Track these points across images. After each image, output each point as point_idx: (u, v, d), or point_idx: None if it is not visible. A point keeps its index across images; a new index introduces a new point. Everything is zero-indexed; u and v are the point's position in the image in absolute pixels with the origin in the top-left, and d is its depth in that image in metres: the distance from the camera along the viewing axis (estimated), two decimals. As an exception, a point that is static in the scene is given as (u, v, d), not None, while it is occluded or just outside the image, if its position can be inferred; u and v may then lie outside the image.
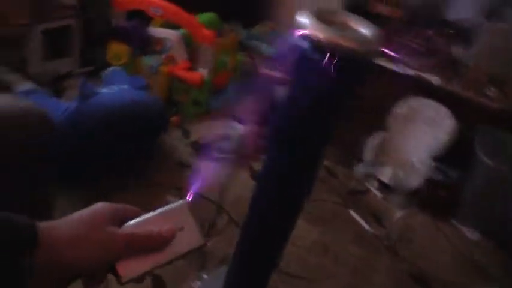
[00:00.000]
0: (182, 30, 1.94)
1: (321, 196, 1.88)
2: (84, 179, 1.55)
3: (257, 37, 2.54)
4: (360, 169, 2.04)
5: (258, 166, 1.94)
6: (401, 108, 2.04)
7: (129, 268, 0.50)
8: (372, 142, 2.05)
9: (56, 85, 1.90)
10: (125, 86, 1.59)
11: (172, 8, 1.85)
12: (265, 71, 2.45)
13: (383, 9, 2.45)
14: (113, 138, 1.48)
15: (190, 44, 2.00)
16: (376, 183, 2.02)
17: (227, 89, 2.20)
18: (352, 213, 1.85)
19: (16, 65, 1.75)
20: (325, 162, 2.13)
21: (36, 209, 1.06)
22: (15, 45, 1.79)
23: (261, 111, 2.21)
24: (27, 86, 1.62)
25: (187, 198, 0.58)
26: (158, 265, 0.52)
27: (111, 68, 1.86)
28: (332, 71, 0.63)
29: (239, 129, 2.10)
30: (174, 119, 2.04)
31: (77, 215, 0.49)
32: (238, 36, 2.52)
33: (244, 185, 1.82)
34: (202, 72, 1.97)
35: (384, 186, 2.00)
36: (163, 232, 0.52)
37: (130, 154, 1.63)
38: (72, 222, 0.47)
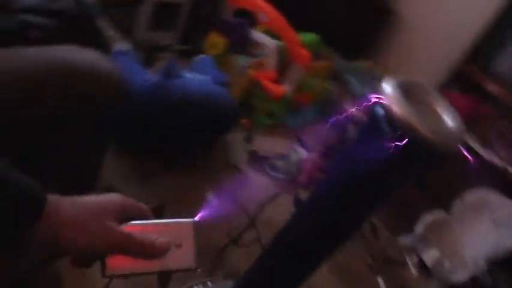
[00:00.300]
0: (280, 42, 1.95)
1: (355, 251, 1.80)
2: (141, 150, 1.61)
3: (352, 72, 2.49)
4: (405, 240, 1.92)
5: (303, 195, 1.90)
6: (472, 196, 1.89)
7: (117, 265, 0.50)
8: (429, 218, 1.93)
9: (150, 54, 2.00)
10: (207, 78, 1.63)
11: (279, 19, 1.86)
12: (347, 106, 2.39)
13: (493, 87, 2.28)
14: (180, 122, 1.52)
15: (283, 57, 2.00)
16: (416, 260, 1.89)
17: (304, 111, 2.18)
18: (380, 280, 1.74)
19: (123, 27, 1.87)
20: (374, 219, 2.03)
21: (84, 172, 1.10)
22: (129, 9, 1.91)
23: (328, 144, 2.16)
24: (123, 47, 1.72)
25: (196, 218, 0.57)
26: (145, 272, 0.52)
27: (203, 56, 1.91)
28: (398, 150, 0.58)
29: (301, 153, 2.07)
30: (244, 121, 2.06)
31: (87, 200, 0.50)
32: (334, 64, 2.48)
33: (282, 209, 1.78)
34: (286, 88, 1.96)
35: (423, 267, 1.87)
36: (158, 243, 0.52)
37: (191, 141, 1.66)
38: (79, 206, 0.49)
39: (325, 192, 0.73)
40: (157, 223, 0.54)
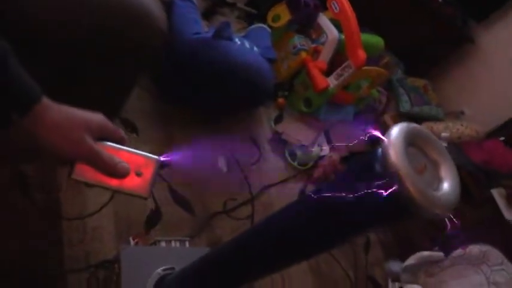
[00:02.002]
0: (342, 36, 1.89)
1: (340, 258, 1.80)
2: (174, 99, 1.65)
3: (406, 86, 2.41)
4: (392, 266, 1.90)
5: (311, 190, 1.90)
6: (475, 249, 1.83)
7: (84, 172, 0.58)
8: (425, 254, 1.89)
9: (213, 7, 1.99)
10: (256, 49, 1.62)
11: (349, 14, 1.80)
12: (385, 119, 2.33)
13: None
14: (215, 83, 1.54)
15: (340, 51, 1.95)
16: (397, 289, 1.88)
17: (341, 109, 2.14)
18: (355, 295, 1.76)
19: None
20: (371, 235, 2.02)
21: (109, 101, 1.16)
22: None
23: (353, 149, 2.13)
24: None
25: (162, 157, 0.63)
26: (103, 186, 0.60)
27: (262, 25, 1.89)
28: (381, 196, 0.58)
29: (323, 149, 2.05)
30: (279, 101, 2.05)
31: (74, 112, 0.57)
32: (391, 74, 2.40)
33: (286, 197, 1.80)
34: (331, 82, 1.92)
35: (402, 298, 1.86)
36: (119, 166, 0.59)
37: (221, 105, 1.68)
38: (65, 114, 0.56)
39: (296, 208, 0.74)
40: (127, 150, 0.61)
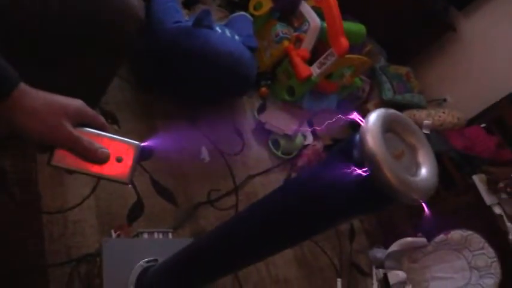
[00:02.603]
0: (324, 24, 1.88)
1: (326, 247, 1.81)
2: (156, 89, 1.62)
3: (388, 74, 2.41)
4: (376, 253, 1.92)
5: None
6: (457, 234, 1.86)
7: (63, 158, 0.57)
8: (408, 241, 1.91)
9: (194, -6, 1.96)
10: (237, 37, 1.60)
11: (331, 2, 1.78)
12: (368, 107, 2.34)
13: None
14: (196, 73, 1.52)
15: (323, 39, 1.94)
16: (381, 276, 1.91)
17: (324, 98, 2.14)
18: (338, 282, 1.77)
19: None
20: (355, 223, 2.04)
21: (88, 89, 1.14)
22: None
23: (336, 138, 2.14)
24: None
25: (143, 143, 0.62)
26: (83, 172, 0.59)
27: (243, 13, 1.87)
28: (358, 180, 0.58)
29: (307, 138, 2.05)
30: (262, 90, 2.04)
31: (53, 97, 0.56)
32: (374, 62, 2.40)
33: (270, 186, 1.80)
34: (313, 71, 1.91)
35: (385, 284, 1.88)
36: (99, 152, 0.58)
37: (203, 94, 1.66)
38: (43, 99, 0.55)
39: (278, 195, 0.73)
40: (107, 136, 0.60)
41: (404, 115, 0.64)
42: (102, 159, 0.59)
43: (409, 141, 0.62)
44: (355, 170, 0.58)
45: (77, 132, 0.57)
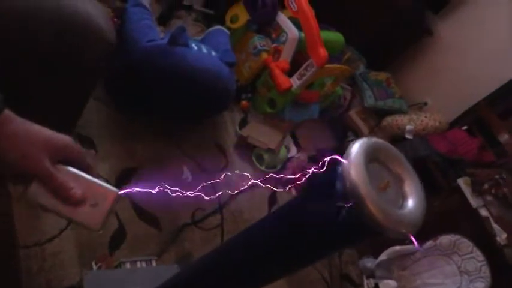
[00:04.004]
0: (302, 34, 1.87)
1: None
2: (132, 111, 1.58)
3: (369, 81, 2.41)
4: (366, 263, 1.90)
5: (281, 194, 1.87)
6: (446, 239, 1.86)
7: (38, 193, 0.55)
8: (397, 249, 1.90)
9: (170, 10, 1.92)
10: (214, 53, 1.57)
11: (308, 13, 1.77)
12: (351, 115, 2.33)
13: (504, 138, 2.20)
14: (173, 92, 1.49)
15: (301, 49, 1.92)
16: (372, 286, 1.89)
17: (306, 109, 2.12)
18: (330, 296, 1.75)
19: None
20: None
21: (62, 115, 1.10)
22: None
23: (321, 150, 2.12)
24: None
25: (121, 191, 0.59)
26: (56, 212, 0.56)
27: (220, 27, 1.84)
28: (341, 214, 0.55)
29: (290, 151, 2.03)
30: (243, 103, 2.01)
31: (37, 129, 0.55)
32: (354, 69, 2.40)
33: (255, 203, 1.77)
34: (294, 82, 1.90)
35: (377, 294, 1.87)
36: (72, 193, 0.56)
37: (181, 113, 1.63)
38: (26, 129, 0.54)
39: (258, 232, 0.70)
40: (86, 178, 0.58)
41: (387, 143, 0.62)
42: (74, 200, 0.56)
43: (394, 171, 0.60)
44: (339, 205, 0.55)
45: (54, 168, 0.55)
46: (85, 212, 0.57)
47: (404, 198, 0.57)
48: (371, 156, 0.57)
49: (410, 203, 0.57)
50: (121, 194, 0.59)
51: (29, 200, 0.55)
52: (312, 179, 0.62)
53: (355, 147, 0.57)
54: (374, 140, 0.60)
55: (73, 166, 0.58)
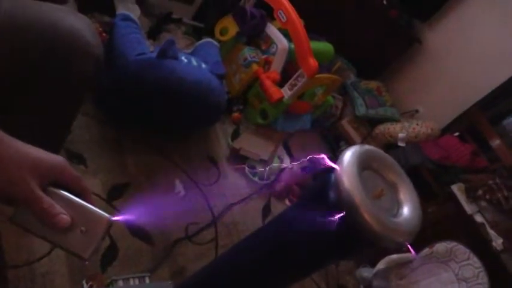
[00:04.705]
0: (292, 44, 1.87)
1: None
2: (122, 124, 1.57)
3: (360, 90, 2.42)
4: (363, 273, 1.88)
5: (275, 205, 1.86)
6: (442, 247, 1.84)
7: (25, 218, 0.53)
8: (394, 258, 1.88)
9: (159, 24, 1.92)
10: (204, 65, 1.56)
11: (297, 23, 1.78)
12: (343, 124, 2.33)
13: (496, 143, 2.21)
14: (164, 105, 1.47)
15: (291, 60, 1.93)
16: (370, 296, 1.87)
17: (299, 119, 2.12)
18: (328, 308, 1.72)
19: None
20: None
21: (51, 132, 1.08)
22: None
23: (315, 160, 2.11)
24: (130, 9, 1.64)
25: (113, 217, 0.56)
26: (42, 236, 0.54)
27: (209, 39, 1.84)
28: (335, 223, 0.54)
29: (284, 161, 2.02)
30: (235, 115, 2.00)
31: (27, 150, 0.53)
32: (344, 78, 2.41)
33: (250, 215, 1.75)
34: (285, 93, 1.89)
35: (375, 304, 1.84)
36: (58, 218, 0.53)
37: (173, 126, 1.62)
38: (15, 151, 0.51)
39: (256, 240, 0.69)
40: (76, 201, 0.55)
41: (380, 150, 0.61)
42: (59, 226, 0.53)
43: (388, 178, 0.59)
44: (332, 215, 0.54)
45: (41, 192, 0.52)
46: (74, 239, 0.54)
47: (399, 206, 0.56)
48: (364, 164, 0.56)
49: (406, 210, 0.55)
50: (114, 220, 0.56)
51: (15, 224, 0.53)
52: (305, 188, 0.60)
53: (348, 155, 0.56)
54: (366, 147, 0.59)
55: (67, 189, 0.55)
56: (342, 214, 0.52)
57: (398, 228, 0.52)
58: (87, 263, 0.56)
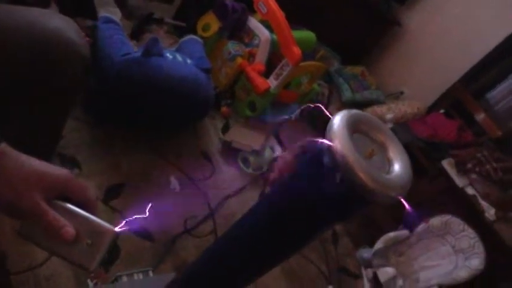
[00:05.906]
0: (274, 36, 1.90)
1: (311, 256, 1.79)
2: (112, 124, 1.57)
3: (344, 76, 2.45)
4: (363, 253, 1.91)
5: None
6: (437, 221, 1.88)
7: (32, 231, 0.54)
8: (391, 236, 1.92)
9: (141, 24, 1.93)
10: (189, 61, 1.58)
11: (277, 13, 1.80)
12: (331, 111, 2.36)
13: (481, 117, 2.26)
14: (152, 102, 1.49)
15: (275, 50, 1.95)
16: (371, 275, 1.90)
17: (287, 108, 2.14)
18: (330, 289, 1.75)
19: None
20: (337, 226, 2.03)
21: (42, 137, 1.09)
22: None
23: (305, 146, 2.14)
24: (112, 12, 1.65)
25: (118, 228, 0.57)
26: (48, 249, 0.56)
27: (193, 36, 1.85)
28: (333, 186, 0.56)
29: (275, 151, 2.04)
30: (224, 109, 2.02)
31: (33, 164, 0.53)
32: (328, 66, 2.44)
33: (246, 205, 1.76)
34: (271, 83, 1.92)
35: (376, 283, 1.87)
36: (63, 231, 0.54)
37: (162, 123, 1.63)
38: (21, 164, 0.52)
39: (259, 213, 0.71)
40: (82, 214, 0.56)
41: (366, 113, 0.63)
42: (65, 239, 0.54)
43: (377, 139, 0.61)
44: (329, 177, 0.56)
45: (46, 205, 0.53)
46: (80, 251, 0.55)
47: (390, 163, 0.59)
48: (353, 127, 0.58)
49: (397, 167, 0.58)
50: (119, 231, 0.57)
51: (22, 237, 0.54)
52: (301, 158, 0.63)
53: (337, 120, 0.58)
54: (354, 111, 0.61)
55: (73, 201, 0.56)
56: (339, 174, 0.54)
57: (391, 183, 0.55)
58: (92, 274, 0.57)
